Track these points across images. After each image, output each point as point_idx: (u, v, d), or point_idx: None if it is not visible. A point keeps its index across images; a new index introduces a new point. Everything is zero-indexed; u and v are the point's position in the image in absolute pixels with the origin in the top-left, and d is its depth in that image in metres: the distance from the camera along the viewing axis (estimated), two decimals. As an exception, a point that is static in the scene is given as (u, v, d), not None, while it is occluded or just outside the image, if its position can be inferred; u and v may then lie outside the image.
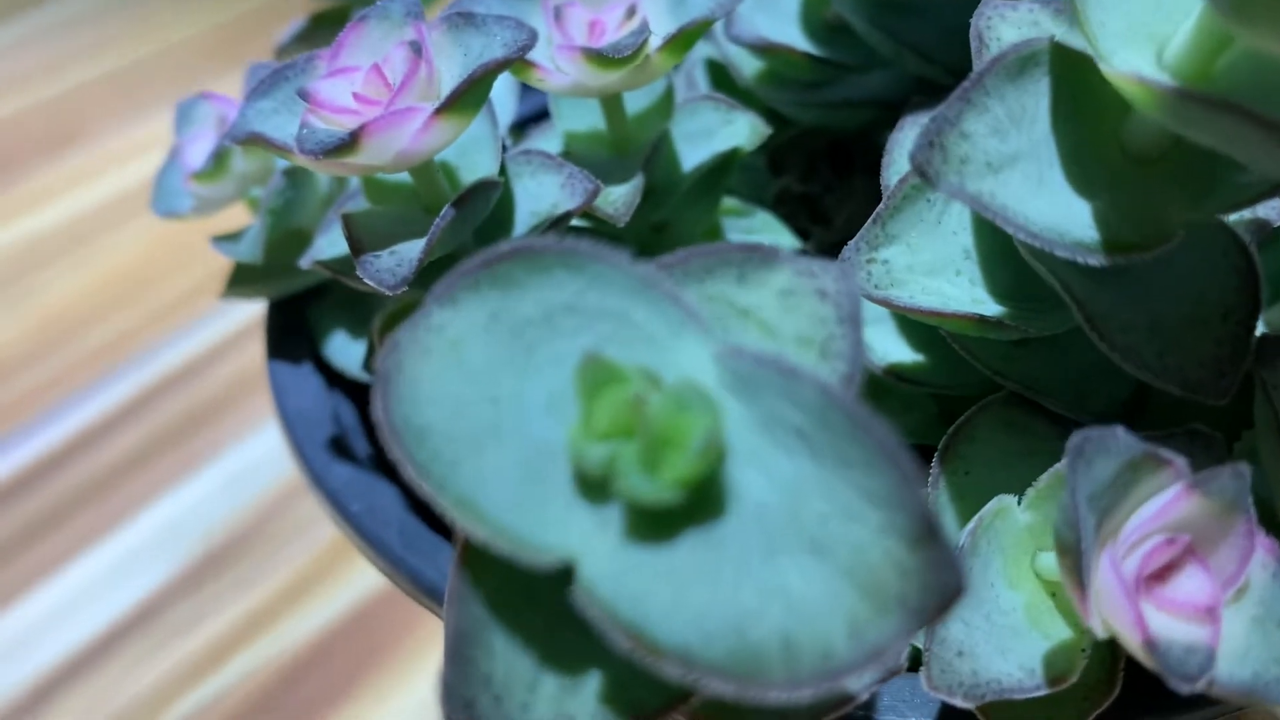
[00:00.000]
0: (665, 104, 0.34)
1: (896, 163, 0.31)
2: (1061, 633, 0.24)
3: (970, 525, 0.25)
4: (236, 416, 0.68)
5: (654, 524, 0.18)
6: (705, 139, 0.35)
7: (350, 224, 0.29)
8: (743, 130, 0.34)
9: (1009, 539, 0.25)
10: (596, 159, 0.34)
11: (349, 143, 0.26)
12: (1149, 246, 0.23)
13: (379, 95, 0.28)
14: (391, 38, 0.28)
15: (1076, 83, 0.24)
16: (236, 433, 0.67)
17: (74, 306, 0.80)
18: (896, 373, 0.30)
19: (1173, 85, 0.20)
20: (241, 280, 0.37)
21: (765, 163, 0.39)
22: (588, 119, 0.34)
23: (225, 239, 0.37)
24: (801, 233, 0.40)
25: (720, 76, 0.40)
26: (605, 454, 0.18)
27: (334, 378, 0.37)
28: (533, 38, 0.27)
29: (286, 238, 0.35)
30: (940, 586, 0.16)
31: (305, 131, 0.27)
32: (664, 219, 0.35)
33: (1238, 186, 0.23)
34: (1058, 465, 0.26)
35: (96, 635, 0.56)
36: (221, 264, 0.43)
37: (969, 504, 0.27)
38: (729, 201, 0.38)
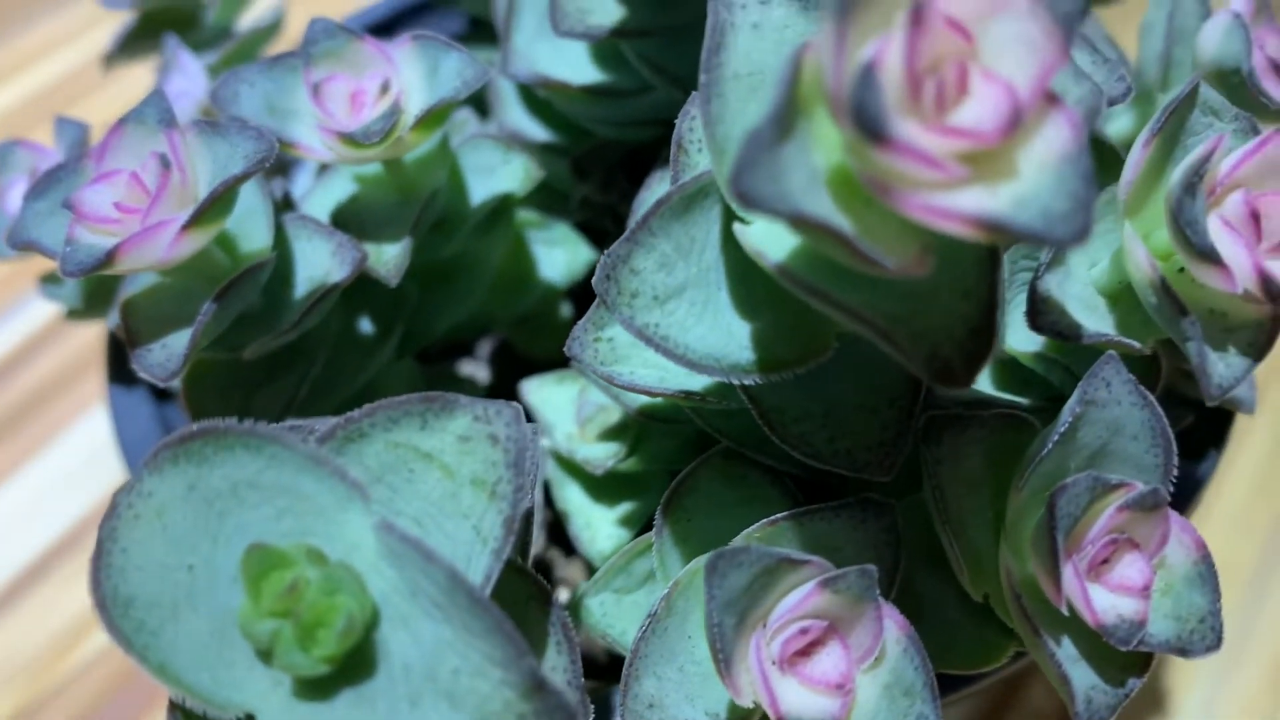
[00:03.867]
0: (442, 151, 0.36)
1: (655, 187, 0.33)
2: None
3: (666, 590, 0.29)
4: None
5: (316, 685, 0.22)
6: (488, 175, 0.37)
7: (128, 313, 0.31)
8: (518, 173, 0.36)
9: (708, 595, 0.29)
10: (383, 201, 0.36)
11: (105, 261, 0.29)
12: (804, 361, 0.26)
13: (139, 202, 0.30)
14: (148, 144, 0.30)
15: (736, 214, 0.26)
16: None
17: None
18: (647, 414, 0.33)
19: (771, 262, 0.23)
20: (72, 315, 0.40)
21: (569, 169, 0.41)
22: (373, 164, 0.36)
23: (51, 281, 0.39)
24: (604, 234, 0.42)
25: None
26: (268, 631, 0.22)
27: (165, 394, 0.40)
28: (272, 149, 0.29)
29: (102, 285, 0.38)
30: None
31: (69, 249, 0.29)
32: (459, 250, 0.38)
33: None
34: (763, 520, 0.29)
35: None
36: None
37: (692, 548, 0.31)
38: (530, 215, 0.41)
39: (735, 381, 0.26)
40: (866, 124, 0.18)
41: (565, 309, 0.43)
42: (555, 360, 0.43)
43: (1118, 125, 0.40)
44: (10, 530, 0.63)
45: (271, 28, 0.47)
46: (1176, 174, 0.26)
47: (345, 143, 0.32)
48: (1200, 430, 0.36)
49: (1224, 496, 0.68)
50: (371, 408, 0.24)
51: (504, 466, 0.24)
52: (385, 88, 0.33)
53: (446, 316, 0.38)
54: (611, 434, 0.35)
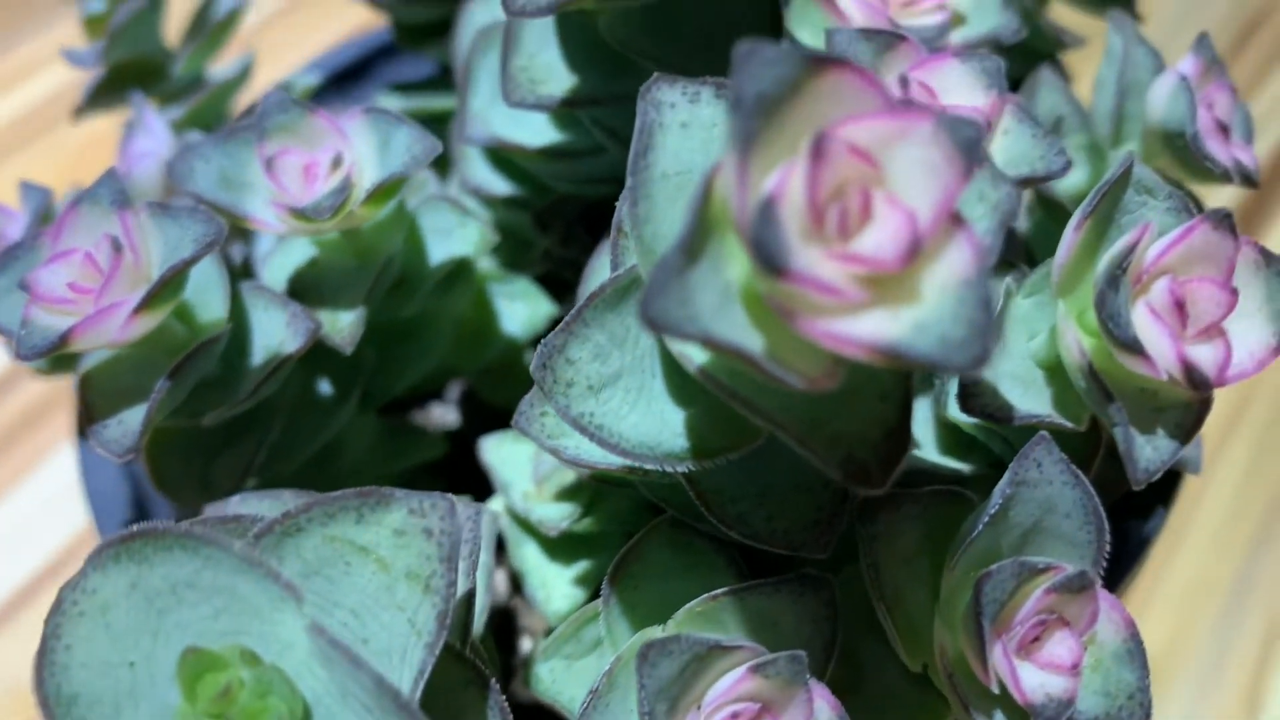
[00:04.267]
0: (398, 217, 0.36)
1: (595, 273, 0.33)
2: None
3: (608, 665, 0.29)
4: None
5: (248, 784, 0.22)
6: (445, 236, 0.38)
7: (85, 388, 0.32)
8: (473, 236, 0.37)
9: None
10: (340, 267, 0.36)
11: (59, 344, 0.29)
12: (738, 448, 0.26)
13: (93, 282, 0.30)
14: (102, 225, 0.31)
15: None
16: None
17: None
18: (600, 478, 0.34)
19: (694, 365, 0.23)
20: (39, 371, 0.41)
21: (531, 221, 0.42)
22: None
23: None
24: (565, 286, 0.42)
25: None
26: (203, 732, 0.22)
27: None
28: (221, 232, 0.30)
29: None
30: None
31: (24, 332, 0.30)
32: (418, 309, 0.38)
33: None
34: (708, 593, 0.30)
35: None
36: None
37: (640, 615, 0.32)
38: (492, 269, 0.41)
39: (669, 469, 0.26)
40: (765, 259, 0.19)
41: (529, 356, 0.44)
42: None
43: (1071, 180, 0.40)
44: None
45: (238, 79, 0.47)
46: (1101, 264, 0.26)
47: (297, 217, 0.32)
48: (1148, 488, 0.37)
49: (1201, 519, 0.69)
50: (308, 503, 0.25)
51: (438, 560, 0.25)
52: (337, 161, 0.33)
53: (407, 375, 0.39)
54: (567, 494, 0.36)
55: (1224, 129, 0.36)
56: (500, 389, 0.44)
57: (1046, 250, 0.34)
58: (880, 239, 0.20)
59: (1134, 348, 0.26)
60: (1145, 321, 0.26)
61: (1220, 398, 0.71)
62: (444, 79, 0.51)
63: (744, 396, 0.23)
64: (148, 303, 0.29)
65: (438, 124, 0.48)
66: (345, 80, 0.53)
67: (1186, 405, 0.28)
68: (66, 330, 0.29)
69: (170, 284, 0.29)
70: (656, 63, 0.33)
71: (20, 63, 0.94)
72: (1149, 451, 0.27)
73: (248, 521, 0.26)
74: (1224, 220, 0.26)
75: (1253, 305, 0.27)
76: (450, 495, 0.25)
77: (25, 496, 0.67)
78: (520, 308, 0.41)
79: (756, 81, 0.19)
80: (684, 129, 0.25)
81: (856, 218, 0.20)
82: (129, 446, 0.31)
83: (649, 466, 0.26)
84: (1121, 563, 0.37)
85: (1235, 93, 0.38)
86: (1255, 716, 0.62)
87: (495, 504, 0.39)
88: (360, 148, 0.34)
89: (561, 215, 0.42)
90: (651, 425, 0.26)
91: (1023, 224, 0.40)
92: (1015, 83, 0.44)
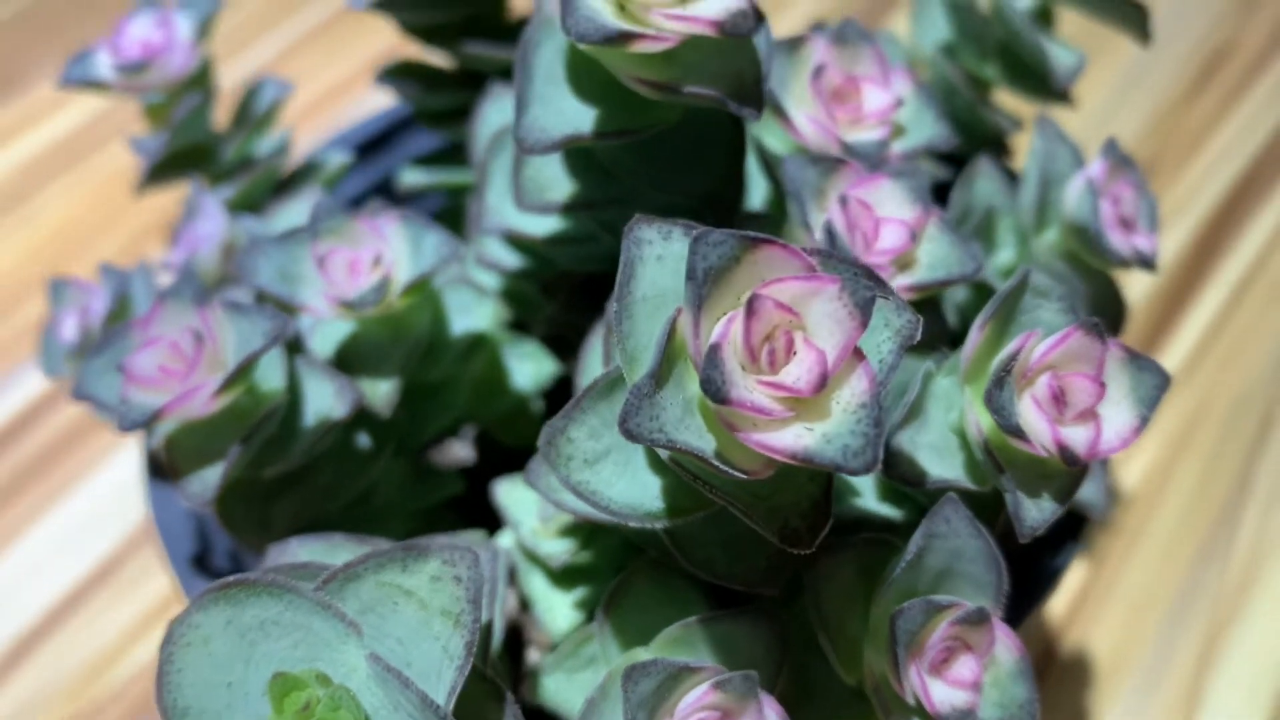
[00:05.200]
0: (427, 298, 0.43)
1: (589, 368, 0.40)
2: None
3: (602, 679, 0.36)
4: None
5: (323, 777, 0.29)
6: (465, 313, 0.44)
7: (170, 449, 0.39)
8: (488, 314, 0.44)
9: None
10: (378, 340, 0.43)
11: (153, 419, 0.36)
12: (702, 510, 0.33)
13: (178, 365, 0.37)
14: (185, 317, 0.38)
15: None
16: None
17: (15, 270, 0.88)
18: (594, 521, 0.41)
19: (664, 454, 0.30)
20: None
21: (538, 290, 0.49)
22: (369, 308, 0.44)
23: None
24: (567, 345, 0.49)
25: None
26: (289, 739, 0.29)
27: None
28: (284, 327, 0.36)
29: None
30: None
31: (124, 408, 0.37)
32: (446, 373, 0.45)
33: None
34: (682, 621, 0.37)
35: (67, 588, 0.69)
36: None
37: (628, 637, 0.38)
38: (504, 333, 0.48)
39: (649, 525, 0.33)
40: (712, 393, 0.25)
41: (537, 403, 0.51)
42: (528, 447, 0.51)
43: (1000, 259, 0.47)
44: (43, 564, 0.70)
45: (279, 153, 0.54)
46: (993, 365, 0.33)
47: (345, 307, 0.39)
48: (1061, 528, 0.44)
49: (1152, 532, 0.75)
50: (364, 555, 0.32)
51: (466, 601, 0.32)
52: (378, 260, 0.40)
53: (432, 427, 0.45)
54: (567, 532, 0.43)
55: (1126, 223, 0.43)
56: (510, 431, 0.51)
57: (977, 322, 0.41)
58: (799, 372, 0.26)
59: (1017, 434, 0.32)
60: (1029, 409, 0.33)
61: (1170, 421, 0.78)
62: (459, 151, 0.57)
63: (702, 479, 0.29)
64: (225, 386, 0.36)
65: (456, 194, 0.55)
66: (371, 150, 0.60)
67: (1067, 474, 0.34)
68: (159, 408, 0.36)
69: (246, 369, 0.36)
70: (642, 178, 0.39)
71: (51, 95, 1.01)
72: (1034, 513, 0.34)
73: (315, 568, 0.33)
74: (1094, 327, 0.33)
75: (1120, 394, 0.34)
76: (474, 548, 0.32)
77: (78, 502, 0.74)
78: (529, 366, 0.48)
79: (706, 259, 0.26)
80: (659, 261, 0.32)
81: (782, 354, 0.27)
82: (208, 499, 0.38)
83: (633, 524, 0.33)
84: (1038, 588, 0.44)
85: (1140, 188, 0.44)
86: (1194, 715, 0.68)
87: (506, 537, 0.46)
88: (396, 246, 0.40)
89: (564, 285, 0.49)
90: (635, 491, 0.33)
91: (960, 295, 0.47)
92: (962, 159, 0.51)
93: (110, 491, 0.73)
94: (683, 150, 0.39)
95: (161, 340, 0.38)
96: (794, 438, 0.26)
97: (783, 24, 1.03)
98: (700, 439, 0.27)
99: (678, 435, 0.27)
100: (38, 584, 0.69)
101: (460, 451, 0.55)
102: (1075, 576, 0.73)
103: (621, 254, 0.32)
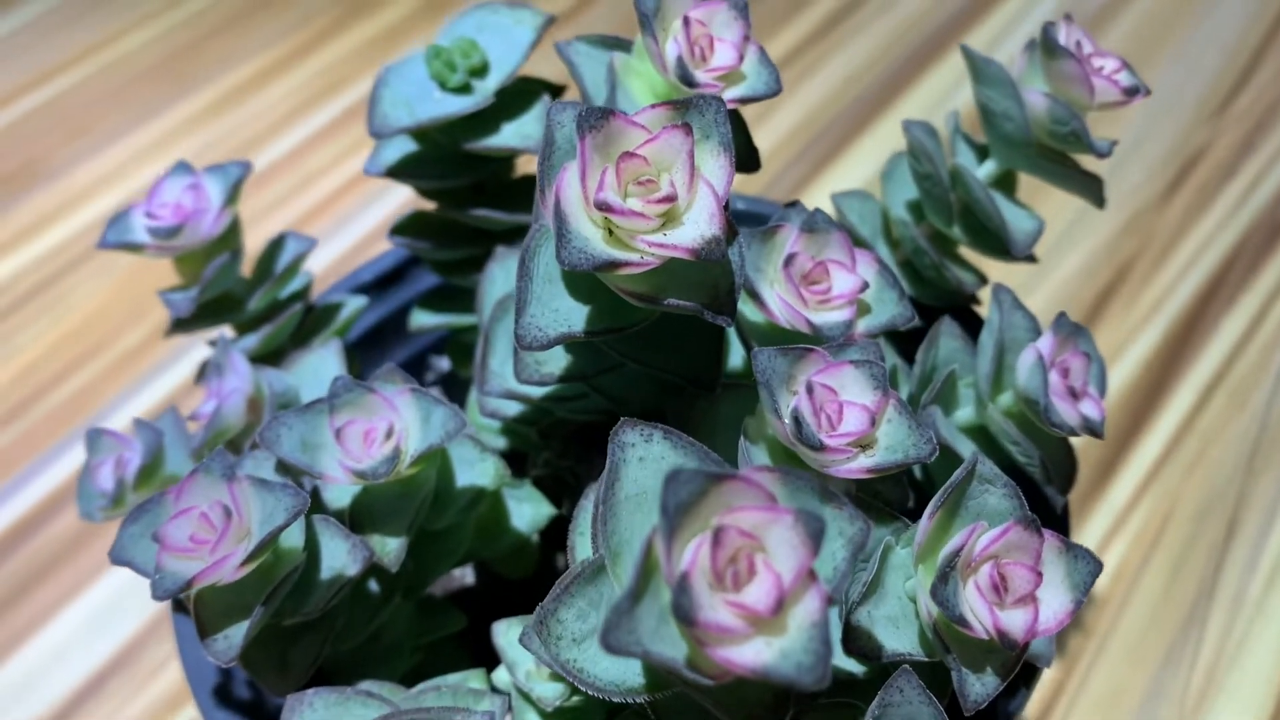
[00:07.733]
0: (434, 460, 0.47)
1: (578, 548, 0.44)
2: None
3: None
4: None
5: None
6: (469, 467, 0.48)
7: (199, 607, 0.43)
8: (490, 471, 0.47)
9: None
10: (388, 497, 0.47)
11: (186, 586, 0.40)
12: (679, 686, 0.37)
13: (209, 535, 0.41)
14: (214, 490, 0.42)
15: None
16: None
17: (42, 361, 0.92)
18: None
19: (646, 649, 0.34)
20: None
21: (535, 436, 0.53)
22: (380, 464, 0.48)
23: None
24: (563, 486, 0.53)
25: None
26: None
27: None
28: (305, 503, 0.40)
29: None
30: None
31: (159, 576, 0.41)
32: (451, 521, 0.49)
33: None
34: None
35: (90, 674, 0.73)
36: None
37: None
38: (503, 476, 0.52)
39: (632, 701, 0.37)
40: (682, 617, 0.29)
41: (534, 542, 0.55)
42: (524, 579, 0.55)
43: (960, 416, 0.51)
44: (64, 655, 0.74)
45: (300, 297, 0.58)
46: (939, 559, 0.37)
47: (357, 478, 0.43)
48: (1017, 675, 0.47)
49: (1121, 632, 0.79)
50: (389, 714, 0.36)
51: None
52: (390, 432, 0.44)
53: (437, 572, 0.49)
54: (561, 677, 0.46)
55: (1075, 393, 0.47)
56: (508, 565, 0.55)
57: (942, 478, 0.45)
58: (759, 593, 0.30)
59: (961, 623, 0.36)
60: (973, 595, 0.37)
61: (1141, 525, 0.82)
62: (456, 294, 0.61)
63: (676, 672, 0.33)
64: (252, 557, 0.40)
65: (463, 334, 0.59)
66: (383, 285, 0.64)
67: (1009, 651, 0.38)
68: (191, 576, 0.40)
69: (269, 542, 0.40)
70: (630, 359, 0.43)
71: (84, 182, 1.05)
72: (978, 687, 0.37)
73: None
74: (1031, 522, 0.37)
75: (1056, 579, 0.38)
76: (492, 711, 0.36)
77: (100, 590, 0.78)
78: (527, 509, 0.52)
79: (676, 495, 0.30)
80: (641, 461, 0.36)
81: (745, 575, 0.31)
82: (233, 656, 0.41)
83: (616, 699, 0.37)
84: (994, 732, 0.47)
85: (1090, 355, 0.48)
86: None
87: (503, 673, 0.49)
88: (407, 417, 0.44)
89: (559, 432, 0.53)
90: (619, 669, 0.37)
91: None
92: (934, 312, 0.55)
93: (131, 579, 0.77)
94: (666, 338, 0.43)
95: (193, 511, 0.42)
96: (754, 654, 0.30)
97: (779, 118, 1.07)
98: (674, 648, 0.31)
99: (653, 647, 0.31)
100: (60, 671, 0.73)
101: (463, 577, 0.59)
102: (1048, 676, 0.76)
103: (608, 456, 0.36)
